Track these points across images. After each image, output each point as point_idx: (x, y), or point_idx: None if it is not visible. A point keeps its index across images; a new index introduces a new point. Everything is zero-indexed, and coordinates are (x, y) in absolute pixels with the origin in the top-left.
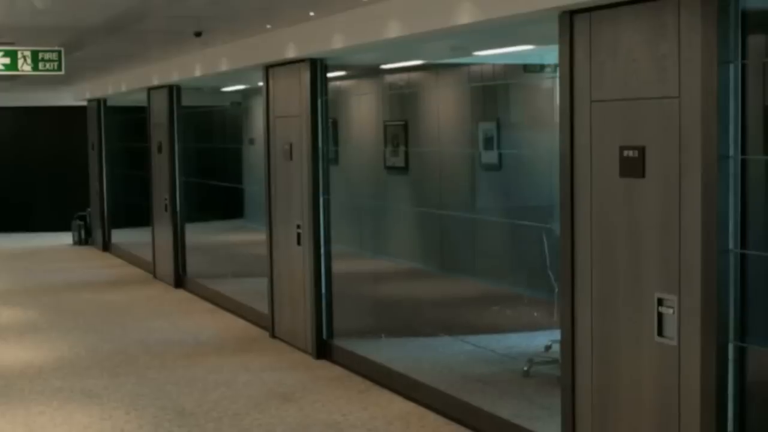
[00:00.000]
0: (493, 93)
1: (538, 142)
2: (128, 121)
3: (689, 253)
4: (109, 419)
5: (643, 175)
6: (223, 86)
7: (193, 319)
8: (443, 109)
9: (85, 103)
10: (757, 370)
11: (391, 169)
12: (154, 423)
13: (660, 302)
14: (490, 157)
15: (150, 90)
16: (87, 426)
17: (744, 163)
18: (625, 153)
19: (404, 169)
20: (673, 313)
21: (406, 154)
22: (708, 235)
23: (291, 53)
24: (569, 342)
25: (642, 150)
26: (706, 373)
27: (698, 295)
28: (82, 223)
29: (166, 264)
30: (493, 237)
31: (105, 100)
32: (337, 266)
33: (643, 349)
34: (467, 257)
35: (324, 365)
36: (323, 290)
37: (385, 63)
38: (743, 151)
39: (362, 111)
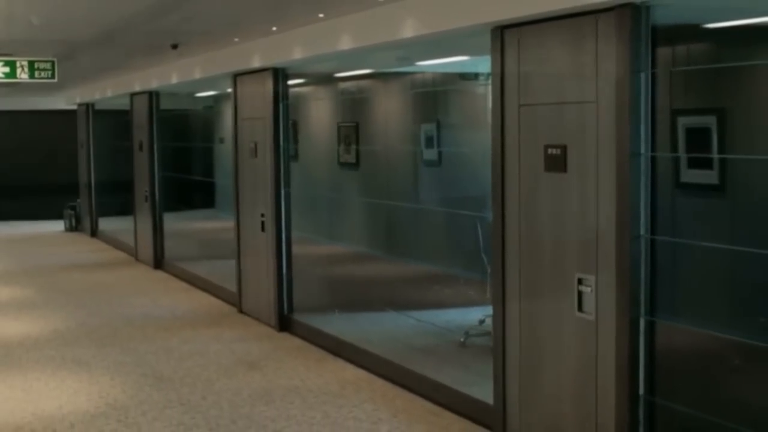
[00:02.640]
0: (433, 98)
1: (473, 141)
2: (113, 123)
3: (605, 238)
4: (97, 384)
5: (565, 170)
6: (197, 92)
7: (170, 296)
8: (390, 112)
9: (75, 107)
10: (664, 341)
11: (343, 164)
12: (135, 387)
13: (580, 281)
14: (430, 154)
15: (132, 95)
16: (77, 390)
17: (654, 160)
18: (550, 151)
19: (355, 165)
20: (591, 291)
21: (357, 151)
22: (622, 223)
23: (256, 63)
24: (500, 316)
25: (564, 148)
26: (620, 343)
27: (613, 276)
28: (72, 212)
29: (146, 248)
30: (434, 225)
31: (93, 105)
32: (296, 250)
33: (564, 323)
34: (410, 242)
35: (285, 337)
36: (284, 271)
37: (339, 71)
38: (653, 149)
39: (319, 114)
